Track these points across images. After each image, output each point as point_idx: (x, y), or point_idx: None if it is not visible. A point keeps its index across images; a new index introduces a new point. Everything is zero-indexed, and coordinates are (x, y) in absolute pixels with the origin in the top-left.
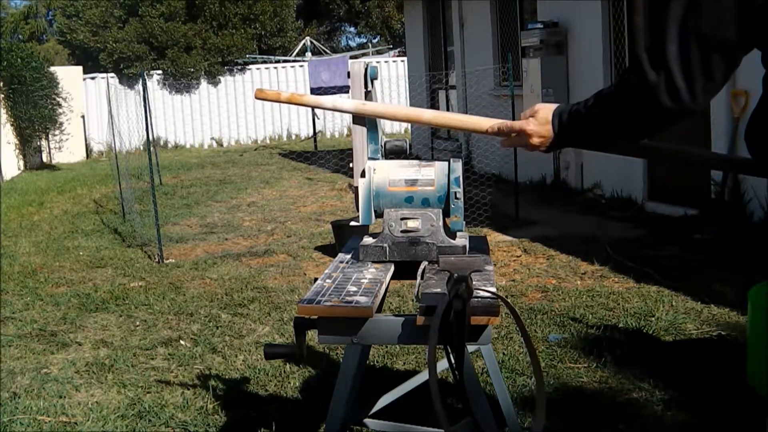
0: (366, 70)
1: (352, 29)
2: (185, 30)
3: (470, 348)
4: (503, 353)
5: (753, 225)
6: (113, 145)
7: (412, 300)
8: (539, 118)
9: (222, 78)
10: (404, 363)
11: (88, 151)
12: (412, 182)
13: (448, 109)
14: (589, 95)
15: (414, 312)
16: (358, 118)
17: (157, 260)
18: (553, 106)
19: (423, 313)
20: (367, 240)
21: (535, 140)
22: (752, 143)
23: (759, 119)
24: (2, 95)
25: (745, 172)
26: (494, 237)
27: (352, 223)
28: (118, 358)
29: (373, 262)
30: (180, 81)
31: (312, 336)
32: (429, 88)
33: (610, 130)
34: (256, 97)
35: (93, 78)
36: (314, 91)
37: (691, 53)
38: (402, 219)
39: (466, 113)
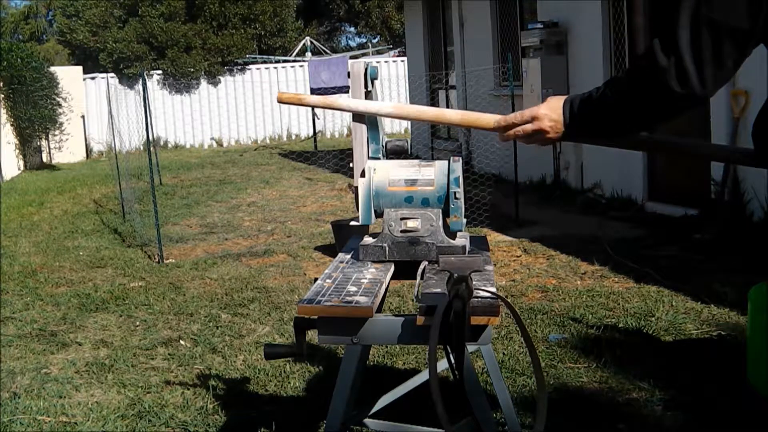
0: (366, 70)
1: (352, 29)
2: (185, 30)
3: (470, 348)
4: (503, 353)
5: (753, 225)
6: (113, 145)
7: (412, 300)
8: (550, 104)
9: (222, 78)
10: (404, 363)
11: (88, 151)
12: (412, 182)
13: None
14: None
15: (414, 312)
16: (358, 116)
17: (157, 260)
18: (564, 96)
19: (423, 313)
20: (367, 240)
21: (547, 124)
22: (759, 138)
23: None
24: (2, 95)
25: (752, 164)
26: (494, 237)
27: (352, 223)
28: (118, 358)
29: (373, 261)
30: (180, 81)
31: (312, 336)
32: (429, 88)
33: (620, 116)
34: (279, 101)
35: (93, 78)
36: (314, 91)
37: (702, 39)
38: (402, 219)
39: None
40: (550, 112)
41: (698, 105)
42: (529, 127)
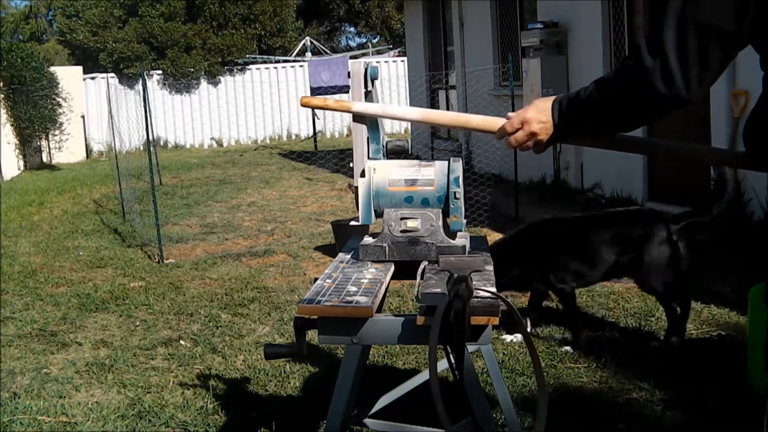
0: (366, 70)
1: (352, 29)
2: (185, 30)
3: (470, 348)
4: (503, 353)
5: (753, 225)
6: (113, 145)
7: (412, 300)
8: (537, 106)
9: (222, 78)
10: (404, 363)
11: (88, 151)
12: (412, 182)
13: (447, 110)
14: None
15: (414, 312)
16: (359, 117)
17: (157, 260)
18: (552, 97)
19: (423, 313)
20: (367, 240)
21: (536, 126)
22: (750, 140)
23: (758, 118)
24: (2, 95)
25: (743, 167)
26: (494, 237)
27: (352, 223)
28: (118, 358)
29: (373, 261)
30: (180, 81)
31: (312, 336)
32: (429, 88)
33: (608, 116)
34: (302, 105)
35: (93, 78)
36: (314, 91)
37: (688, 41)
38: (402, 219)
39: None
40: (538, 114)
41: (683, 106)
42: (520, 134)
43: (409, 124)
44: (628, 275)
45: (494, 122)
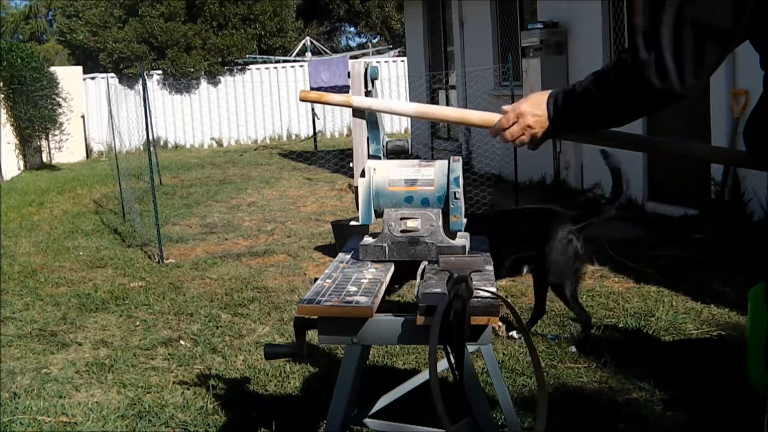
0: (366, 70)
1: (352, 29)
2: (185, 30)
3: (470, 348)
4: (503, 353)
5: (753, 225)
6: (113, 145)
7: (413, 300)
8: (533, 99)
9: (222, 78)
10: (404, 363)
11: (88, 151)
12: (412, 182)
13: None
14: None
15: (414, 311)
16: (358, 112)
17: (157, 260)
18: (549, 91)
19: (423, 313)
20: (367, 240)
21: (530, 119)
22: (750, 140)
23: (758, 118)
24: (2, 95)
25: (743, 165)
26: None
27: (352, 223)
28: (118, 358)
29: (373, 261)
30: (180, 81)
31: (312, 336)
32: (429, 88)
33: (602, 109)
34: (300, 99)
35: (93, 78)
36: (314, 90)
37: (684, 37)
38: (401, 219)
39: None
40: (533, 108)
41: (678, 101)
42: (515, 128)
43: (409, 124)
44: (529, 272)
45: (492, 118)
